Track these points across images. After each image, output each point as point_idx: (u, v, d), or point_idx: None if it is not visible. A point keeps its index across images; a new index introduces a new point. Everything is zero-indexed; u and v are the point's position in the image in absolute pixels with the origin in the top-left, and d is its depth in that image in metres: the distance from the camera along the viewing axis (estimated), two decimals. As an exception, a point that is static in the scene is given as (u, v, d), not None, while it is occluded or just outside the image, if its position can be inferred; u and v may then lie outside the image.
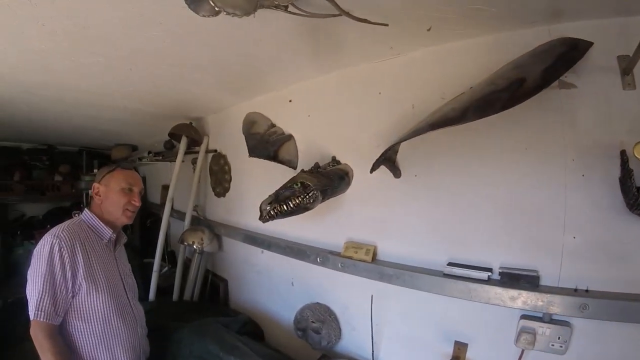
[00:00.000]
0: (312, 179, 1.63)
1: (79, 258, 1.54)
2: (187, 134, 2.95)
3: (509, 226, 1.38)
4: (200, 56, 1.73)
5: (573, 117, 1.27)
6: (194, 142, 3.09)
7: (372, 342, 1.74)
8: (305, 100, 2.13)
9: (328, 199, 1.72)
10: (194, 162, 3.19)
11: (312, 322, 2.01)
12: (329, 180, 1.70)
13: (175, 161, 3.08)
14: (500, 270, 1.34)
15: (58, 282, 1.47)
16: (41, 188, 5.12)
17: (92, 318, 1.55)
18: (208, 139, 3.10)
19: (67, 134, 4.19)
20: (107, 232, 1.71)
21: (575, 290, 1.22)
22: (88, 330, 1.54)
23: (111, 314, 1.60)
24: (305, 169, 1.79)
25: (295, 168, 2.10)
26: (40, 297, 1.43)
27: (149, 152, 3.61)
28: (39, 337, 1.42)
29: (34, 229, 5.23)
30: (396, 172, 1.65)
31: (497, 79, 1.22)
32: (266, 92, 2.36)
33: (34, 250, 1.53)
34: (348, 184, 1.83)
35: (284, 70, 1.95)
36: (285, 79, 2.11)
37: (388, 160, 1.58)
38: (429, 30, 1.42)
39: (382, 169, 1.55)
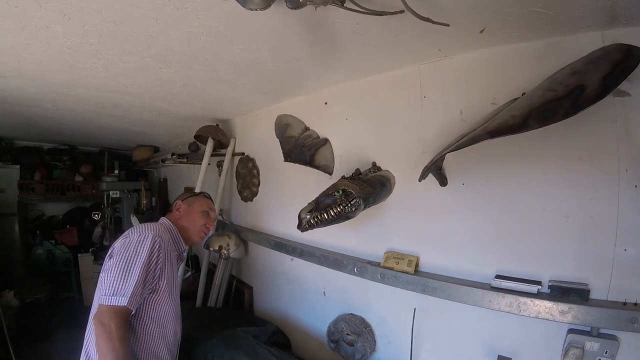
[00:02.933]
0: (354, 186, 1.55)
1: (167, 261, 1.63)
2: (214, 136, 2.89)
3: (558, 237, 1.31)
4: (237, 55, 1.65)
5: (627, 126, 1.21)
6: (220, 145, 3.03)
7: (411, 356, 1.65)
8: (343, 103, 2.05)
9: (369, 207, 1.64)
10: (219, 164, 3.13)
11: (347, 334, 1.93)
12: (372, 187, 1.62)
13: (199, 164, 3.02)
14: (551, 284, 1.28)
15: (149, 275, 1.53)
16: (62, 188, 5.16)
17: (156, 318, 1.61)
18: (235, 141, 3.05)
19: (91, 134, 4.18)
20: (183, 246, 1.84)
21: (624, 303, 1.17)
22: (150, 328, 1.59)
23: (170, 320, 1.66)
24: (345, 175, 1.72)
25: (331, 174, 2.03)
26: (136, 283, 1.47)
27: (173, 154, 3.56)
28: (113, 322, 1.41)
29: (54, 229, 5.31)
30: (443, 180, 1.57)
31: (555, 85, 1.14)
32: (300, 95, 2.29)
33: (131, 239, 1.57)
34: (390, 191, 1.75)
35: (324, 72, 1.88)
36: (323, 81, 2.03)
37: (435, 167, 1.49)
38: (482, 32, 1.33)
39: (428, 176, 1.46)
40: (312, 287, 2.25)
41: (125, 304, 1.43)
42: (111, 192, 4.89)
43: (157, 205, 4.98)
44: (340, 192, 1.53)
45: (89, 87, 2.18)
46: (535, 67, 1.34)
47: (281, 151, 2.14)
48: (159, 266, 1.58)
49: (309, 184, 2.19)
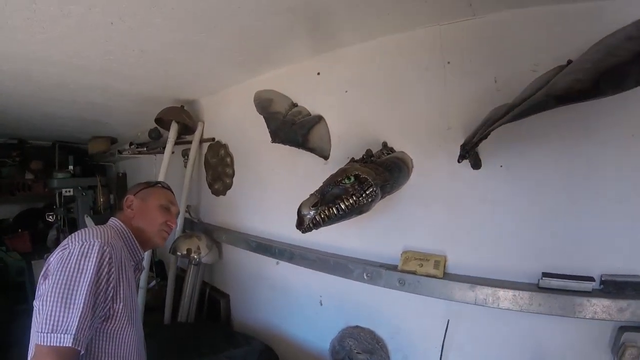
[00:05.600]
0: (369, 171, 1.21)
1: (122, 276, 1.25)
2: (178, 119, 2.45)
3: (610, 225, 1.13)
4: (208, 9, 1.28)
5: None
6: (186, 130, 2.60)
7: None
8: (342, 72, 1.68)
9: (385, 197, 1.30)
10: (186, 153, 2.69)
11: (357, 352, 1.59)
12: (389, 172, 1.28)
13: (162, 153, 2.58)
14: (604, 279, 1.12)
15: (99, 298, 1.16)
16: (10, 187, 4.61)
17: (115, 353, 1.22)
18: (203, 125, 2.62)
19: (39, 125, 3.66)
20: (140, 253, 1.46)
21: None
22: None
23: (132, 353, 1.28)
24: (355, 158, 1.37)
25: (327, 157, 1.67)
26: (82, 312, 1.08)
27: (131, 144, 3.10)
28: None
29: (4, 234, 4.74)
30: (477, 161, 1.26)
31: (615, 50, 0.97)
32: (283, 65, 1.91)
33: (71, 250, 1.17)
34: (407, 177, 1.42)
35: (320, 34, 1.52)
36: (316, 46, 1.66)
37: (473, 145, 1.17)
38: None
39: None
40: (305, 296, 1.91)
41: (70, 344, 1.04)
42: (64, 190, 4.39)
43: (115, 203, 4.49)
44: (352, 178, 1.18)
45: (27, 60, 1.74)
46: (581, 31, 1.14)
47: (260, 134, 1.77)
48: (111, 284, 1.19)
49: (297, 171, 1.86)
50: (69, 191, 4.40)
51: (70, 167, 4.56)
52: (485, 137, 1.06)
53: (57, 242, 4.38)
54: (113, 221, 1.45)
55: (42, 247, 4.63)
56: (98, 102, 2.64)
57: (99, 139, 4.27)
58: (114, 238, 1.30)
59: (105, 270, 1.17)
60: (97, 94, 2.40)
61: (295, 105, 1.84)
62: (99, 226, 1.33)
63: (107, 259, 1.18)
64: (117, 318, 1.21)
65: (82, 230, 1.27)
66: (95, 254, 1.16)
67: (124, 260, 1.29)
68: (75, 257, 1.14)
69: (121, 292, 1.23)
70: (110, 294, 1.19)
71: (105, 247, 1.19)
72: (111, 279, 1.19)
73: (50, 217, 4.65)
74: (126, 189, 4.59)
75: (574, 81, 0.95)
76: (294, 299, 1.98)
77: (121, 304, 1.22)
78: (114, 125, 3.79)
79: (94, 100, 2.57)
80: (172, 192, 1.68)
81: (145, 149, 2.91)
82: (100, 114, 3.13)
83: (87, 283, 1.11)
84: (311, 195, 1.19)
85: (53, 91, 2.30)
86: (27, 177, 4.78)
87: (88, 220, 3.86)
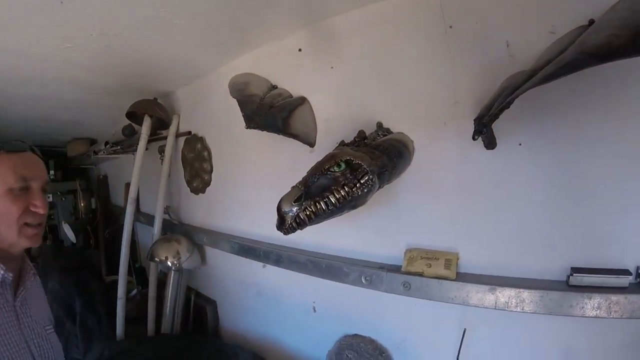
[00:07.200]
0: (363, 156, 1.00)
1: None
2: (151, 113, 2.22)
3: None
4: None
5: None
6: (161, 125, 2.38)
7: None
8: (327, 47, 1.47)
9: (384, 186, 1.10)
10: (162, 150, 2.47)
11: (358, 366, 1.39)
12: (387, 157, 1.08)
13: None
14: None
15: None
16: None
17: None
18: (179, 118, 2.40)
19: (13, 127, 3.34)
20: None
21: None
22: None
23: None
24: (345, 142, 1.16)
25: (312, 145, 1.46)
26: None
27: (106, 143, 2.87)
28: None
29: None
30: (491, 140, 1.06)
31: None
32: (260, 44, 1.69)
33: None
34: (408, 162, 1.21)
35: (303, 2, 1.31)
36: (297, 18, 1.45)
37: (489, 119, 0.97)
38: None
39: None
40: (296, 302, 1.71)
41: None
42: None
43: (97, 206, 4.26)
44: (343, 165, 0.97)
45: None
46: None
47: (238, 124, 1.52)
48: None
49: (282, 162, 1.65)
50: (49, 197, 4.12)
51: (52, 172, 4.31)
52: (507, 106, 0.87)
53: (40, 251, 4.17)
54: None
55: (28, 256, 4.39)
56: (69, 99, 2.42)
57: (77, 141, 4.03)
58: None
59: None
60: (66, 88, 2.19)
61: (274, 87, 1.63)
62: None
63: None
64: None
65: None
66: None
67: None
68: None
69: None
70: None
71: None
72: None
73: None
74: (108, 192, 4.39)
75: (611, 36, 0.80)
76: (284, 305, 1.78)
77: None
78: (90, 125, 3.54)
79: (64, 96, 2.35)
80: (34, 153, 1.19)
81: (119, 147, 2.67)
82: (74, 113, 2.91)
83: None
84: (293, 188, 0.97)
85: (20, 85, 2.08)
86: (5, 185, 4.49)
87: (66, 227, 3.65)
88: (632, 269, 0.99)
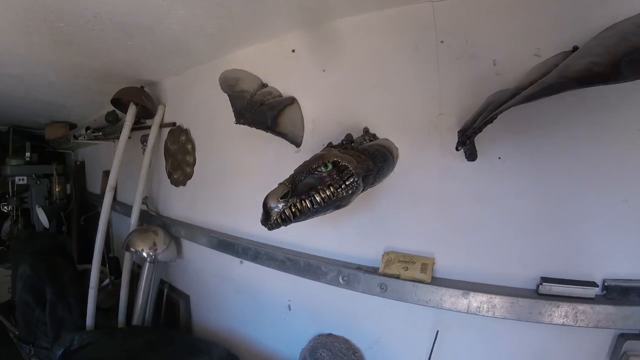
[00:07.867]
0: (350, 158, 1.03)
1: None
2: (137, 101, 2.19)
3: (615, 225, 1.04)
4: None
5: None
6: (146, 114, 2.35)
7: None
8: (319, 50, 1.49)
9: (367, 189, 1.13)
10: (144, 140, 2.43)
11: (331, 366, 1.42)
12: (372, 161, 1.11)
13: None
14: (608, 284, 1.05)
15: None
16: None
17: None
18: (164, 109, 2.37)
19: None
20: None
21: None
22: None
23: None
24: (333, 143, 1.19)
25: (299, 145, 1.48)
26: None
27: (87, 129, 2.81)
28: None
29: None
30: (473, 152, 1.11)
31: (629, 35, 0.90)
32: (254, 42, 1.70)
33: None
34: (392, 167, 1.24)
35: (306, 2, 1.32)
36: (296, 18, 1.47)
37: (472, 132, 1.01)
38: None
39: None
40: (272, 299, 1.72)
41: None
42: (17, 179, 4.05)
43: (72, 193, 4.16)
44: (330, 166, 0.99)
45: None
46: (587, 17, 1.04)
47: (225, 119, 1.56)
48: None
49: (266, 160, 1.67)
50: (23, 179, 4.08)
51: (27, 154, 4.22)
52: (491, 121, 0.91)
53: (11, 235, 4.10)
54: None
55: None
56: (52, 80, 2.36)
57: (56, 124, 3.95)
58: None
59: None
60: (50, 69, 2.14)
61: (265, 85, 1.64)
62: None
63: None
64: None
65: None
66: None
67: None
68: None
69: None
70: None
71: None
72: None
73: (6, 207, 4.30)
74: (85, 179, 4.29)
75: (589, 64, 0.85)
76: (259, 302, 1.79)
77: None
78: (71, 108, 3.45)
79: (48, 77, 2.30)
80: None
81: (101, 134, 2.62)
82: (56, 95, 2.84)
83: None
84: (280, 184, 0.99)
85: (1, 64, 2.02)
86: (-22, 165, 4.38)
87: (39, 211, 3.55)
88: (599, 282, 1.05)
